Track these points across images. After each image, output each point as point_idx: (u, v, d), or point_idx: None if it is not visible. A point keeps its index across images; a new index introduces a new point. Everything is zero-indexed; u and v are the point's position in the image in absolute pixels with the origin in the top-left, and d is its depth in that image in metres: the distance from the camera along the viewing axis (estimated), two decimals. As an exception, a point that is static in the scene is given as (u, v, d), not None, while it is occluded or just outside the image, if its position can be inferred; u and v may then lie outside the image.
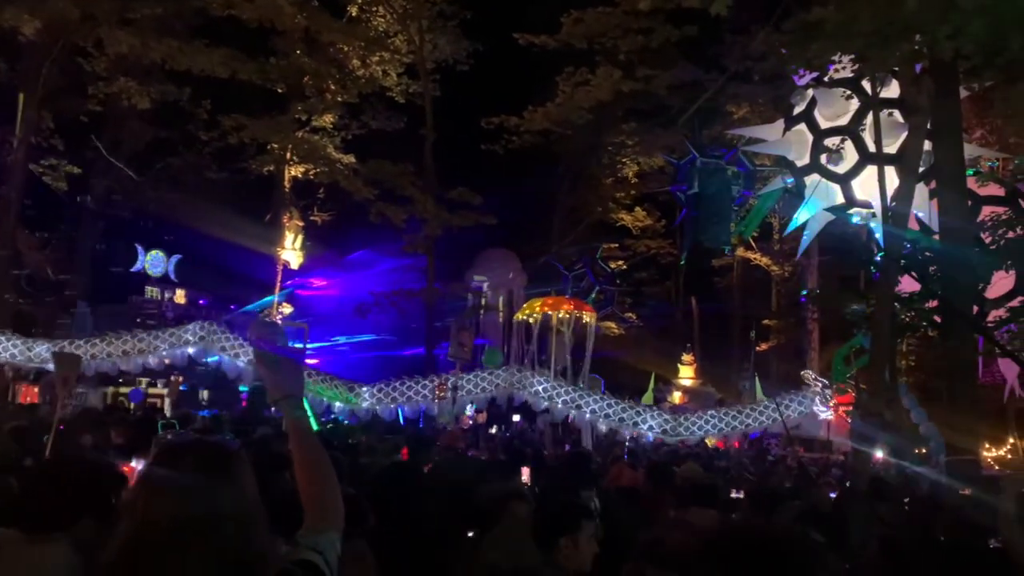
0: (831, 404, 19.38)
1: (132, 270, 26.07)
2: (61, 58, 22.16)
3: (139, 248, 26.19)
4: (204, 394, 24.52)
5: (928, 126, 10.84)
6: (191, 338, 18.65)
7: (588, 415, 18.31)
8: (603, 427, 18.41)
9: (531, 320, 21.70)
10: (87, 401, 19.72)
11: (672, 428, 18.30)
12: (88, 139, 25.87)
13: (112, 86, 22.71)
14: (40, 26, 20.06)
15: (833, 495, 8.54)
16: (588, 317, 21.58)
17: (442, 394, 18.07)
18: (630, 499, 6.87)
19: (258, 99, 25.04)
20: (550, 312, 21.17)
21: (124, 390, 21.77)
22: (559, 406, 18.40)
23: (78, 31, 21.34)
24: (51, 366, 18.88)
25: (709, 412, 19.03)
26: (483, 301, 27.86)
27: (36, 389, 19.66)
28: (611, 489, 8.01)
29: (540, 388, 18.47)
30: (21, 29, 19.79)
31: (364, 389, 18.62)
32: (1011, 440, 23.39)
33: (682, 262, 28.80)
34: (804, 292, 30.05)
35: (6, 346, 18.54)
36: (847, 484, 10.52)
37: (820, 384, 19.47)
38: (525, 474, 7.87)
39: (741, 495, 8.14)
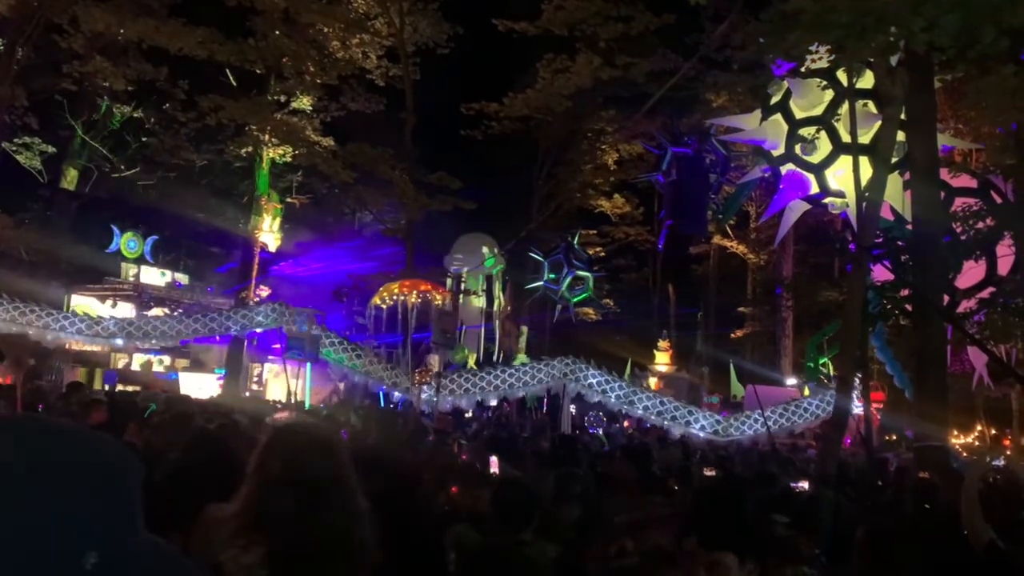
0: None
1: (108, 251, 25.81)
2: (36, 35, 21.86)
3: (115, 229, 25.93)
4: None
5: (902, 117, 10.97)
6: (263, 320, 19.39)
7: (640, 411, 18.46)
8: (655, 421, 18.48)
9: (384, 304, 21.74)
10: (63, 378, 19.75)
11: (723, 428, 18.30)
12: (63, 118, 25.57)
13: (88, 66, 22.43)
14: (14, 2, 19.77)
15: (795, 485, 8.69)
16: (440, 297, 21.67)
17: (424, 380, 18.18)
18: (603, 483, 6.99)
19: (236, 80, 24.81)
20: (406, 294, 21.24)
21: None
22: (612, 400, 18.48)
23: (53, 8, 21.04)
24: (120, 341, 19.76)
25: (757, 412, 18.95)
26: (462, 286, 27.88)
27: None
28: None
29: (594, 381, 18.52)
30: (-5, 6, 19.52)
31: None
32: (979, 427, 23.82)
33: (659, 245, 28.92)
34: (779, 286, 30.35)
35: (72, 321, 19.43)
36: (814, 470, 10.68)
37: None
38: (494, 464, 7.92)
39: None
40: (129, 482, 0.87)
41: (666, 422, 18.39)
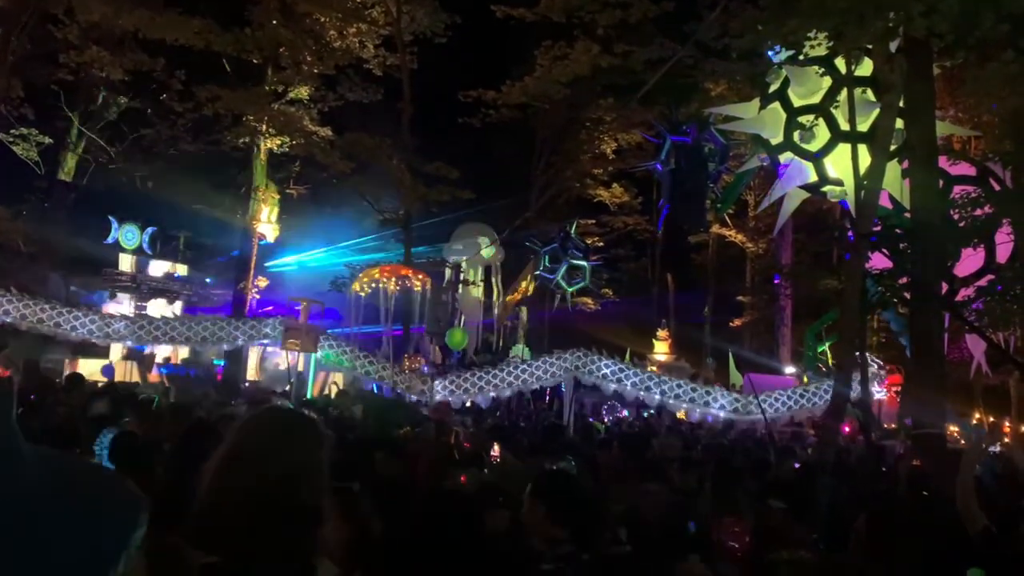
0: (884, 383, 19.17)
1: (106, 242, 25.75)
2: (31, 25, 21.78)
3: (112, 220, 25.87)
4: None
5: (901, 104, 10.93)
6: (271, 332, 19.33)
7: (658, 396, 18.34)
8: (671, 406, 18.42)
9: (363, 291, 21.62)
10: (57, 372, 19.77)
11: (743, 406, 18.07)
12: (60, 108, 25.50)
13: (84, 55, 22.36)
14: (9, -8, 19.72)
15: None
16: (419, 283, 21.61)
17: (415, 367, 18.17)
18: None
19: (233, 70, 24.72)
20: (386, 280, 21.14)
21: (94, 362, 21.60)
22: (628, 388, 18.34)
23: (49, -3, 21.00)
24: (129, 342, 19.87)
25: (776, 392, 18.78)
26: (460, 276, 27.87)
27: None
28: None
29: (608, 371, 18.38)
30: (-11, -5, 19.45)
31: (436, 382, 18.80)
32: (977, 415, 23.84)
33: (658, 232, 28.89)
34: (776, 275, 30.34)
35: (83, 322, 19.52)
36: (812, 456, 10.70)
37: (876, 365, 18.97)
38: (495, 449, 7.95)
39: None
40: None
41: (684, 405, 18.24)
